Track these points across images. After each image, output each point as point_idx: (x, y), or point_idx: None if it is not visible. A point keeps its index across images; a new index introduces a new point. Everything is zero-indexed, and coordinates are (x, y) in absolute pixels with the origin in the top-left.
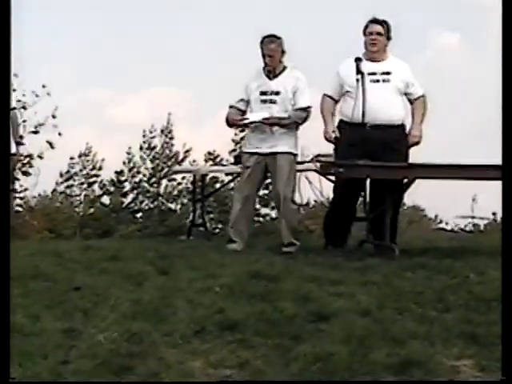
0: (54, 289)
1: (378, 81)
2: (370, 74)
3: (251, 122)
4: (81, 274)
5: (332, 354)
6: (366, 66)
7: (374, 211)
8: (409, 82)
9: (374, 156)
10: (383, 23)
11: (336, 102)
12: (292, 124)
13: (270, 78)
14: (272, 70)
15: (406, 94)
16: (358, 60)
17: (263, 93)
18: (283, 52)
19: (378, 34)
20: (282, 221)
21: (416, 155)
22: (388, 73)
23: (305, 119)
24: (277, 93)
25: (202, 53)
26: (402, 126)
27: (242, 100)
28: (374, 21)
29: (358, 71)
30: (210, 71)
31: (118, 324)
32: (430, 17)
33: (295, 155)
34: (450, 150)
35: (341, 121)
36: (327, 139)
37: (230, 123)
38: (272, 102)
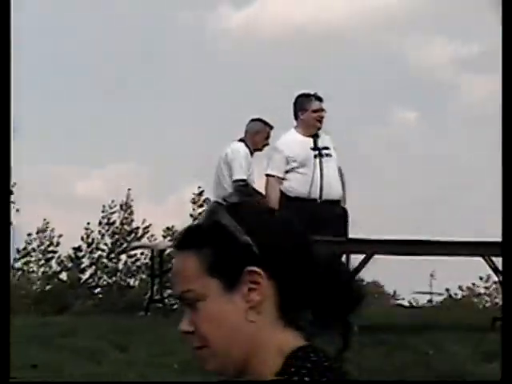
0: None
1: (327, 155)
2: (319, 149)
3: None
4: (37, 351)
5: None
6: (310, 142)
7: None
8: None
9: (325, 231)
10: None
11: (281, 181)
12: None
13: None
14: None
15: None
16: (315, 136)
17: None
18: None
19: (323, 110)
20: None
21: (375, 231)
22: (328, 147)
23: None
24: None
25: (162, 129)
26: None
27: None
28: (318, 98)
29: (316, 147)
30: (170, 147)
31: None
32: (389, 94)
33: None
34: (407, 227)
35: (289, 197)
36: None
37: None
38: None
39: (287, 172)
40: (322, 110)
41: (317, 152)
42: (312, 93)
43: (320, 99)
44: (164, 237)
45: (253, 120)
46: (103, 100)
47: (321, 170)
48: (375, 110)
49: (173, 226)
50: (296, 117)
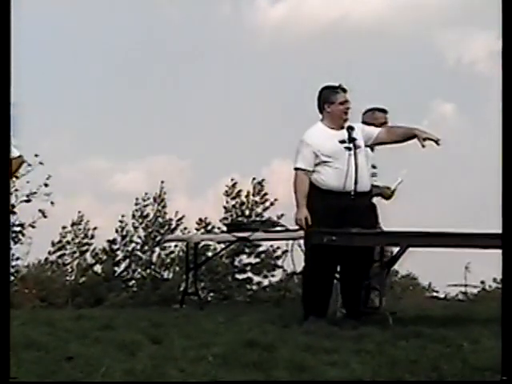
0: (46, 359)
1: (358, 147)
2: (353, 140)
3: None
4: (73, 344)
5: None
6: (339, 136)
7: (349, 278)
8: (367, 131)
9: (359, 224)
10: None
11: (310, 174)
12: None
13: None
14: None
15: (371, 141)
16: (350, 128)
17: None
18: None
19: (349, 101)
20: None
21: (412, 224)
22: (355, 139)
23: None
24: (375, 167)
25: (202, 122)
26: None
27: None
28: (344, 89)
29: (351, 139)
30: (209, 141)
31: None
32: (426, 87)
33: None
34: (447, 220)
35: (321, 190)
36: (298, 224)
37: None
38: (374, 175)
39: (317, 165)
40: (348, 101)
41: (351, 144)
42: (337, 84)
43: (345, 90)
44: (197, 229)
45: (368, 110)
46: (144, 96)
47: (355, 162)
48: (413, 103)
49: (206, 218)
50: (321, 110)
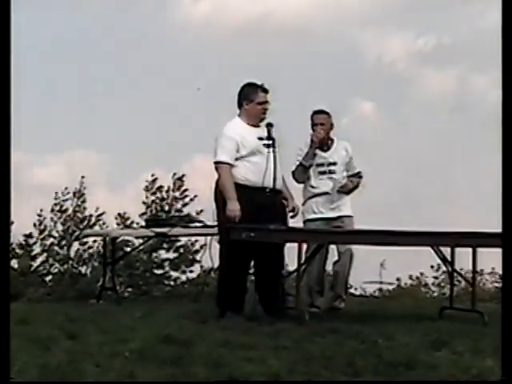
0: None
1: (274, 146)
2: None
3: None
4: None
5: None
6: (258, 133)
7: (263, 274)
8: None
9: (275, 220)
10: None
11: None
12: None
13: (323, 150)
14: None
15: None
16: (269, 125)
17: (320, 164)
18: (332, 125)
19: (268, 102)
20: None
21: None
22: (274, 138)
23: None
24: (334, 163)
25: (123, 117)
26: None
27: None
28: (265, 89)
29: (270, 137)
30: (130, 136)
31: None
32: (347, 86)
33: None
34: (369, 217)
35: (240, 185)
36: (231, 216)
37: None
38: (331, 172)
39: (236, 159)
40: (267, 102)
41: (270, 141)
42: (259, 83)
43: (266, 91)
44: (117, 224)
45: (318, 112)
46: (63, 89)
47: (274, 159)
48: (334, 102)
49: (125, 213)
50: (239, 106)
